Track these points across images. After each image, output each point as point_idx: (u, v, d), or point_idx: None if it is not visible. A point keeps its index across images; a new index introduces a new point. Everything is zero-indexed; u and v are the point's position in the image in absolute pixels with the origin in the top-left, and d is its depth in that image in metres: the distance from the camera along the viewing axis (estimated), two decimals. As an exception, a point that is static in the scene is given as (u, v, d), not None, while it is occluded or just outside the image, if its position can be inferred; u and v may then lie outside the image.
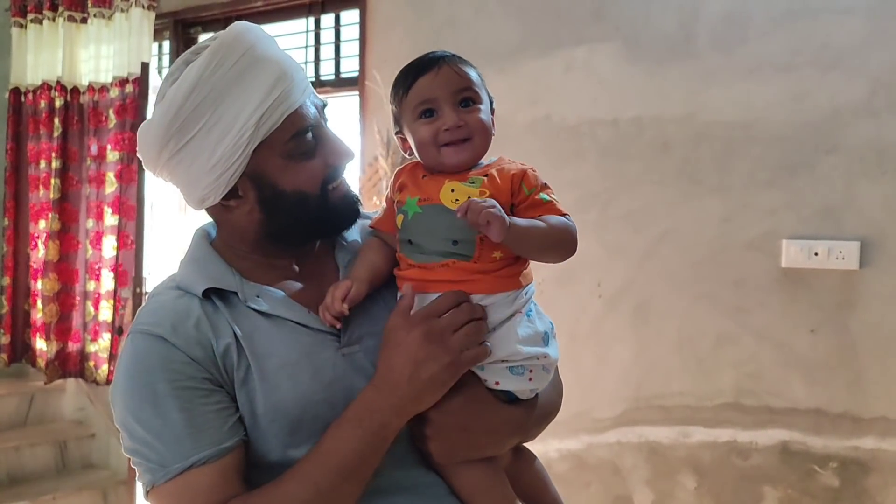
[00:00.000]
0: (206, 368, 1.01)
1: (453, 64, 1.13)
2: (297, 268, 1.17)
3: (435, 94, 1.11)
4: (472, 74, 1.15)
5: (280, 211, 1.08)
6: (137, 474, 1.02)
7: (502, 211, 0.99)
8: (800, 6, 2.54)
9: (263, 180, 1.06)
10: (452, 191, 1.09)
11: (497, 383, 1.09)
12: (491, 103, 1.19)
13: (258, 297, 1.07)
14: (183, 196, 1.12)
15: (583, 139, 2.84)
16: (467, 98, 1.13)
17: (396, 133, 1.19)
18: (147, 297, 1.13)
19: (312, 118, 1.09)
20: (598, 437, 2.83)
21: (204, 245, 1.14)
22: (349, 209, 1.16)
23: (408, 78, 1.13)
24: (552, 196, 1.14)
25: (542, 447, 2.90)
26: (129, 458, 1.03)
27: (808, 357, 2.54)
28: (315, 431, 1.02)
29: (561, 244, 1.11)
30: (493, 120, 1.18)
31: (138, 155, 1.10)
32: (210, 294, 1.06)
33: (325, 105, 1.15)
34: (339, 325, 1.07)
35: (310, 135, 1.08)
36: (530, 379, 1.12)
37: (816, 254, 2.51)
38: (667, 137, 2.73)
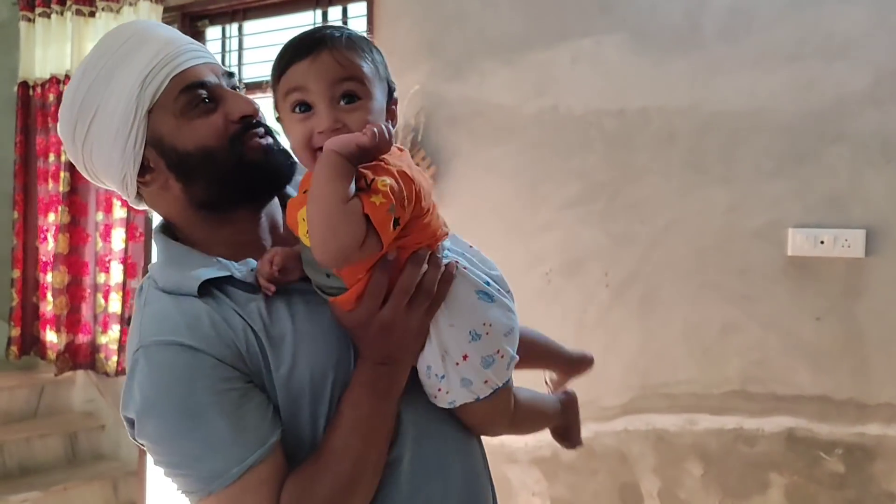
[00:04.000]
0: (236, 367, 0.98)
1: (335, 49, 0.96)
2: (266, 241, 1.15)
3: (308, 85, 0.95)
4: (362, 62, 0.97)
5: (192, 173, 1.06)
6: (179, 487, 1.01)
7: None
8: (805, -4, 2.56)
9: (164, 144, 1.06)
10: (303, 220, 0.93)
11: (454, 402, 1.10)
12: (391, 95, 1.03)
13: (252, 271, 1.06)
14: (114, 187, 1.12)
15: (589, 130, 2.86)
16: (349, 93, 0.95)
17: (277, 119, 1.04)
18: (135, 313, 1.07)
19: (207, 79, 1.08)
20: (606, 425, 2.85)
21: (171, 243, 1.11)
22: (274, 162, 1.09)
23: (282, 60, 0.98)
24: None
25: (549, 436, 2.93)
26: (164, 471, 1.03)
27: (813, 344, 2.56)
28: (335, 394, 1.04)
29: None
30: (394, 115, 1.04)
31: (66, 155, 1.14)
32: (206, 289, 1.02)
33: (231, 74, 1.13)
34: (272, 290, 1.02)
35: (203, 91, 1.06)
36: (485, 381, 1.08)
37: (822, 242, 2.53)
38: (673, 128, 2.75)
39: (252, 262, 1.07)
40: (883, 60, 2.46)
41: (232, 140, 1.07)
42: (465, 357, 1.04)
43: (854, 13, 2.50)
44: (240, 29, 3.84)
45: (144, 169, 1.08)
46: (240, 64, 3.86)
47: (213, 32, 3.94)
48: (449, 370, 1.05)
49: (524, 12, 2.96)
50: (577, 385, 2.87)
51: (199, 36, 3.97)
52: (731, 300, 2.67)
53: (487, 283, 1.07)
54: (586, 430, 2.88)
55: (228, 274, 1.04)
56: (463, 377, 1.05)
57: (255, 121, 1.10)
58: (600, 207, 2.84)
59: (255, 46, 3.83)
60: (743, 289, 2.66)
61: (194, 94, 1.05)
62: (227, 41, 3.89)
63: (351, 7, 3.50)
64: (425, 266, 1.01)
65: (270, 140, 1.11)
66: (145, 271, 3.44)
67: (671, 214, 2.76)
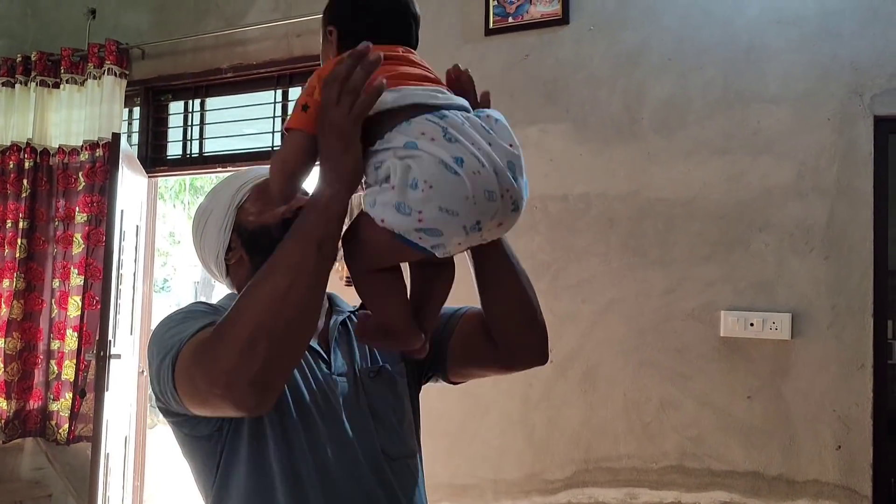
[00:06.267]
0: None
1: None
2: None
3: None
4: None
5: (255, 246, 1.31)
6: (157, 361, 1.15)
7: None
8: (733, 95, 2.76)
9: (242, 228, 1.33)
10: None
11: (383, 220, 0.99)
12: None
13: None
14: (213, 265, 1.38)
15: (535, 213, 3.00)
16: None
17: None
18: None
19: None
20: (550, 498, 2.93)
21: (235, 295, 1.33)
22: None
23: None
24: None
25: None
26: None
27: (745, 422, 2.68)
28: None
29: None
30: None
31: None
32: None
33: (306, 192, 1.31)
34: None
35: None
36: (420, 219, 0.96)
37: (752, 324, 2.67)
38: (613, 213, 2.90)
39: None
40: (803, 155, 2.65)
41: (285, 221, 1.23)
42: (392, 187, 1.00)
43: (777, 112, 2.69)
44: (202, 104, 3.95)
45: (230, 249, 1.35)
46: (201, 138, 3.95)
47: (175, 107, 4.04)
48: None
49: (474, 100, 3.11)
50: (522, 457, 2.96)
51: (161, 110, 4.07)
52: (668, 378, 2.79)
53: (459, 161, 0.96)
54: (530, 504, 2.99)
55: None
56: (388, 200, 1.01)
57: None
58: (544, 286, 2.96)
59: (216, 122, 3.94)
60: (679, 367, 2.78)
61: (267, 194, 1.32)
62: (190, 115, 3.99)
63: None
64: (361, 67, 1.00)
65: None
66: (101, 342, 3.48)
67: (611, 294, 2.89)
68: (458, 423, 3.03)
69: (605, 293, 2.90)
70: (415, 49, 1.15)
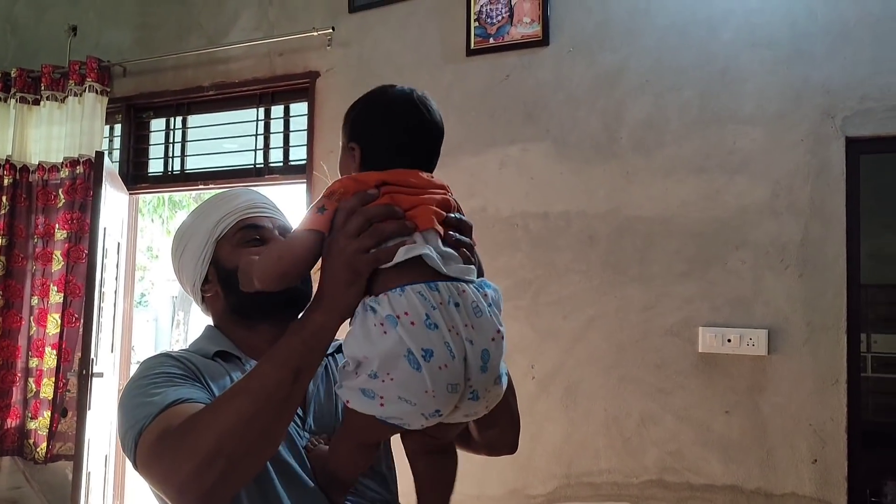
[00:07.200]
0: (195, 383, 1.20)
1: None
2: None
3: None
4: None
5: (231, 286, 1.29)
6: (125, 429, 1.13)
7: None
8: (710, 115, 2.82)
9: (220, 263, 1.34)
10: None
11: (348, 402, 1.03)
12: None
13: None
14: (189, 291, 1.40)
15: (516, 230, 3.04)
16: None
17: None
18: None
19: (262, 224, 1.35)
20: (532, 513, 2.96)
21: (213, 330, 1.37)
22: (292, 290, 1.20)
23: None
24: None
25: (479, 524, 3.02)
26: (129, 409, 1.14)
27: (724, 436, 2.73)
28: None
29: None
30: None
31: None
32: (218, 357, 1.29)
33: (288, 230, 1.35)
34: None
35: (256, 232, 1.34)
36: (381, 405, 1.00)
37: (730, 340, 2.72)
38: (593, 230, 2.95)
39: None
40: (777, 175, 2.71)
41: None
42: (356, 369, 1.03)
43: (752, 132, 2.76)
44: (184, 122, 3.96)
45: (206, 281, 1.36)
46: (182, 155, 3.96)
47: (157, 124, 4.05)
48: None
49: (457, 120, 3.15)
50: (505, 473, 2.98)
51: (143, 127, 4.08)
52: (648, 393, 2.84)
53: (428, 355, 0.97)
54: (514, 519, 3.00)
55: (238, 357, 1.30)
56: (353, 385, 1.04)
57: None
58: (526, 303, 3.00)
59: (198, 139, 3.95)
60: (659, 382, 2.82)
61: (249, 233, 1.34)
62: (172, 133, 3.99)
63: (293, 106, 3.66)
64: (374, 209, 1.03)
65: None
66: (83, 360, 3.46)
67: (592, 311, 2.93)
68: (441, 440, 3.05)
69: (586, 310, 2.94)
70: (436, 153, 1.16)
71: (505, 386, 1.08)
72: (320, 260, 1.06)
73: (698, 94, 2.85)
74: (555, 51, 3.08)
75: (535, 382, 2.96)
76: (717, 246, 2.78)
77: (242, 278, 1.20)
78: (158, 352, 1.29)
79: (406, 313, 0.98)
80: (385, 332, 0.98)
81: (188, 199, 10.66)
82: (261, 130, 3.72)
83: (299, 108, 3.62)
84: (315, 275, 1.11)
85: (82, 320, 3.54)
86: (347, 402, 1.03)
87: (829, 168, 2.66)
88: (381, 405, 1.00)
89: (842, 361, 2.62)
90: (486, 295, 1.05)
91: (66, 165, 3.89)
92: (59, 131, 3.98)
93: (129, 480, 4.16)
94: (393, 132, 1.12)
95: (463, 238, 1.08)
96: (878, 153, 2.75)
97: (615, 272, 2.91)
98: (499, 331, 1.03)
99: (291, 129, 3.69)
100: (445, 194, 1.09)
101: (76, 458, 3.39)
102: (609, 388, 2.89)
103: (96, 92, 3.89)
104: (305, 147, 3.52)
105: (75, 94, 3.92)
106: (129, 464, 4.13)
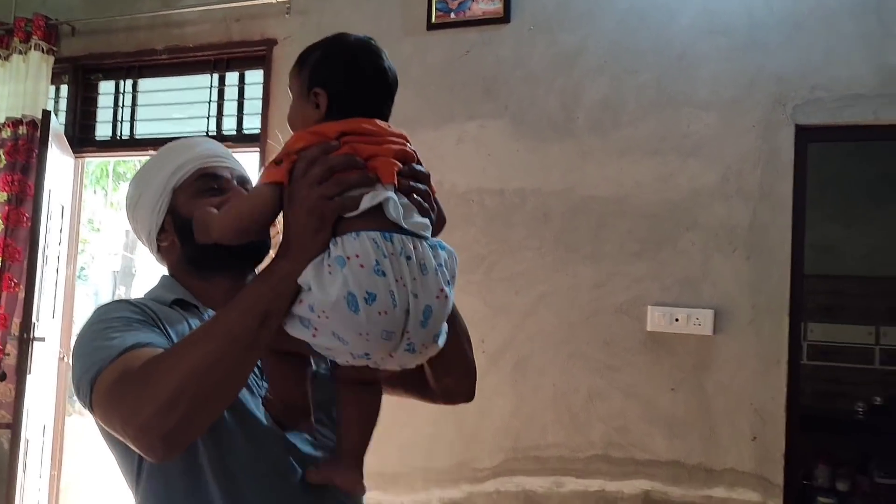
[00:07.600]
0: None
1: None
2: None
3: None
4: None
5: (188, 236, 1.24)
6: (82, 367, 1.09)
7: None
8: (666, 99, 2.86)
9: (176, 212, 1.32)
10: None
11: (283, 324, 1.04)
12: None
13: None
14: (144, 240, 1.39)
15: (471, 206, 3.06)
16: None
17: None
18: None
19: (221, 174, 1.33)
20: (479, 486, 2.99)
21: (169, 279, 1.36)
22: (249, 242, 1.19)
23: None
24: None
25: (426, 496, 3.04)
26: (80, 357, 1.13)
27: (669, 413, 2.79)
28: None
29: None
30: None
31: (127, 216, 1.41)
32: (176, 305, 1.28)
33: (246, 180, 1.35)
34: None
35: (215, 181, 1.32)
36: (314, 335, 1.01)
37: (677, 319, 2.78)
38: (547, 208, 2.98)
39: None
40: (730, 160, 2.78)
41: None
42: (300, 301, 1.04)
43: (706, 117, 2.81)
44: (134, 86, 3.86)
45: (162, 230, 1.34)
46: (132, 120, 3.86)
47: (106, 87, 3.94)
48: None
49: (416, 94, 3.14)
50: (452, 446, 3.01)
51: (91, 90, 3.97)
52: (596, 370, 2.88)
53: (371, 298, 0.98)
54: (460, 492, 3.03)
55: (195, 305, 1.30)
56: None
57: None
58: (479, 278, 3.02)
59: (149, 104, 3.86)
60: (607, 359, 2.88)
61: (207, 182, 1.32)
62: (122, 96, 3.89)
63: (248, 73, 3.60)
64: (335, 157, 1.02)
65: None
66: (24, 324, 3.36)
67: (544, 287, 2.97)
68: (390, 412, 3.03)
69: (538, 286, 2.98)
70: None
71: (441, 345, 1.09)
72: (280, 214, 1.06)
73: (655, 78, 2.89)
74: (515, 28, 3.09)
75: (485, 356, 2.98)
76: (668, 227, 2.84)
77: (197, 228, 1.18)
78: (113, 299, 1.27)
79: (357, 255, 0.98)
80: (330, 273, 0.99)
81: (133, 171, 10.37)
82: (214, 97, 3.65)
83: (255, 76, 3.56)
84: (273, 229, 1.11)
85: (24, 283, 3.44)
86: (283, 324, 1.03)
87: (778, 155, 2.73)
88: (314, 336, 1.01)
89: (783, 344, 2.70)
90: (437, 255, 1.05)
91: (8, 125, 3.76)
92: (1, 90, 3.84)
93: (67, 451, 4.07)
94: (357, 77, 1.11)
95: (419, 185, 1.08)
96: (826, 141, 2.84)
97: (568, 250, 2.95)
98: (442, 289, 1.04)
99: (246, 97, 3.63)
100: (404, 144, 1.09)
101: (14, 425, 3.30)
102: (558, 364, 2.93)
103: (42, 51, 3.76)
104: (260, 116, 3.47)
105: (20, 52, 3.78)
106: (68, 434, 4.06)
